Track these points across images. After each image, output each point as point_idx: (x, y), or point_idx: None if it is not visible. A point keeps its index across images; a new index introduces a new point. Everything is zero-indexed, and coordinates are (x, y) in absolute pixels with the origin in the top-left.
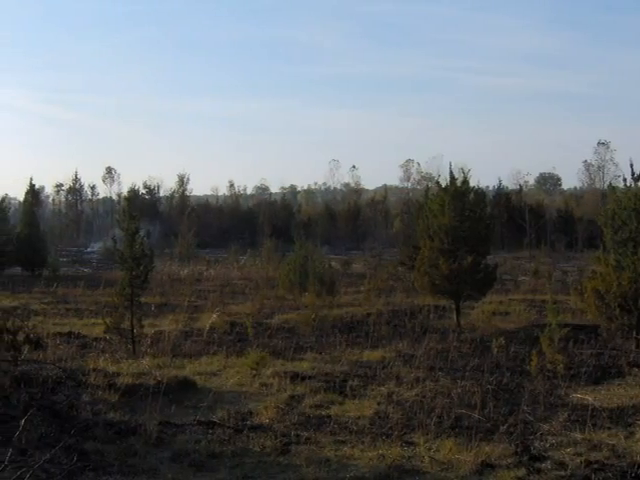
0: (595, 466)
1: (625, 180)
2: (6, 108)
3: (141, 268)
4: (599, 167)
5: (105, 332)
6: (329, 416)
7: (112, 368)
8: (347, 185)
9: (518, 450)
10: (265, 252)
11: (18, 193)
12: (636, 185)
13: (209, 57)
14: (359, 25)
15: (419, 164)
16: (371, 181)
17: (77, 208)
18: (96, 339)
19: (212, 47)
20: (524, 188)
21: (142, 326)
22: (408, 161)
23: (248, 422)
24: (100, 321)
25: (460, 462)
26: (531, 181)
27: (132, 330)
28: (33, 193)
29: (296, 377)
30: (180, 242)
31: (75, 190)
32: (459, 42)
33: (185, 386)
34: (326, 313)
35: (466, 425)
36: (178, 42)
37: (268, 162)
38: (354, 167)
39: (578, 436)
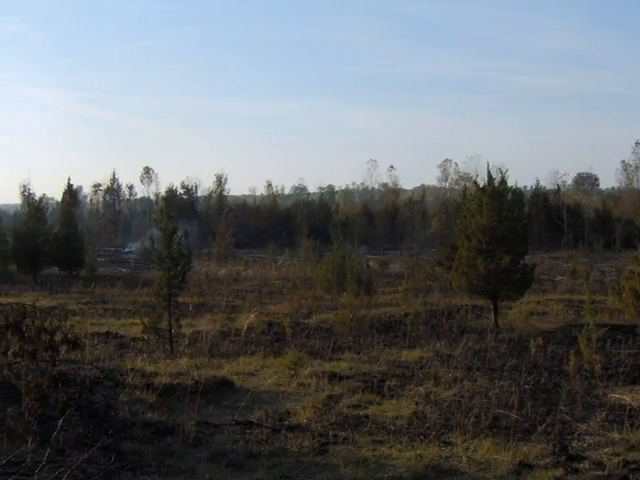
0: (633, 466)
1: None
2: (44, 108)
3: (179, 268)
4: (637, 167)
5: (143, 332)
6: (367, 416)
7: (150, 368)
8: (385, 185)
9: (556, 450)
10: (303, 252)
11: (56, 193)
12: None
13: (247, 57)
14: (397, 25)
15: (457, 164)
16: (409, 181)
17: (115, 208)
18: (134, 339)
19: (250, 47)
20: (562, 188)
21: (180, 326)
22: (446, 161)
23: (286, 422)
24: (138, 321)
25: (498, 462)
26: (569, 181)
27: (170, 330)
28: (71, 193)
29: (334, 377)
30: (218, 242)
31: (113, 190)
32: (497, 42)
33: (223, 386)
34: (364, 313)
35: (504, 425)
36: (216, 42)
37: (306, 162)
38: (392, 167)
39: (616, 436)
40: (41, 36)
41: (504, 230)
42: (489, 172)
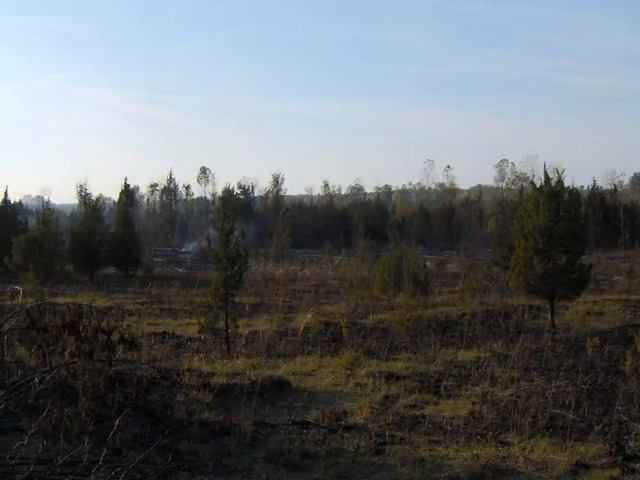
0: None
1: None
2: (101, 108)
3: (235, 268)
4: None
5: (199, 332)
6: (423, 416)
7: (206, 368)
8: (442, 185)
9: (613, 450)
10: (359, 252)
11: (113, 193)
12: None
13: (304, 57)
14: (454, 25)
15: (514, 164)
16: (466, 181)
17: (171, 208)
18: (190, 339)
19: (307, 47)
20: (619, 188)
21: (237, 326)
22: (503, 161)
23: (342, 422)
24: (194, 321)
25: (554, 462)
26: (625, 181)
27: (226, 330)
28: (127, 193)
29: (391, 377)
30: (274, 242)
31: (170, 190)
32: (554, 42)
33: (279, 386)
34: (420, 313)
35: (560, 425)
36: (273, 42)
37: (363, 162)
38: (449, 167)
39: None
40: (98, 36)
41: (561, 230)
42: (546, 172)
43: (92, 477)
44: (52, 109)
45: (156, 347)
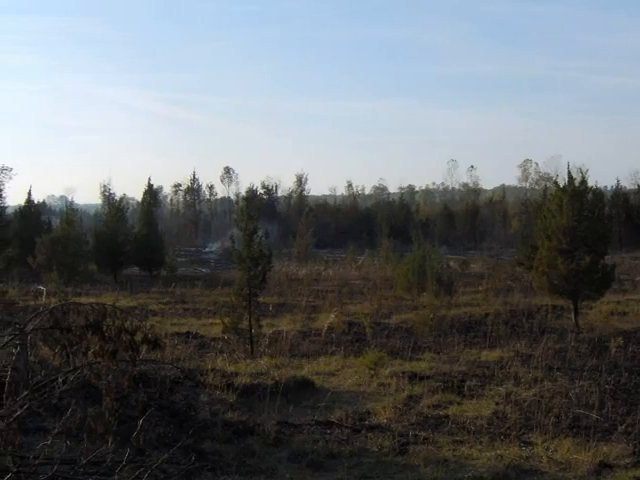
0: None
1: None
2: (125, 108)
3: (259, 268)
4: None
5: (223, 332)
6: (447, 416)
7: (230, 368)
8: (465, 185)
9: (636, 450)
10: (383, 252)
11: (136, 193)
12: None
13: (327, 57)
14: (477, 25)
15: (537, 164)
16: (489, 181)
17: (195, 208)
18: (214, 339)
19: (330, 47)
20: None
21: (260, 326)
22: (526, 161)
23: (366, 422)
24: (218, 321)
25: (578, 462)
26: None
27: (250, 330)
28: (151, 193)
29: (414, 377)
30: (298, 242)
31: (193, 190)
32: (578, 42)
33: (303, 386)
34: (444, 313)
35: (584, 425)
36: (297, 42)
37: (386, 162)
38: (472, 167)
39: None
40: (121, 36)
41: (584, 230)
42: (569, 172)
43: (116, 477)
44: (76, 109)
45: (179, 347)
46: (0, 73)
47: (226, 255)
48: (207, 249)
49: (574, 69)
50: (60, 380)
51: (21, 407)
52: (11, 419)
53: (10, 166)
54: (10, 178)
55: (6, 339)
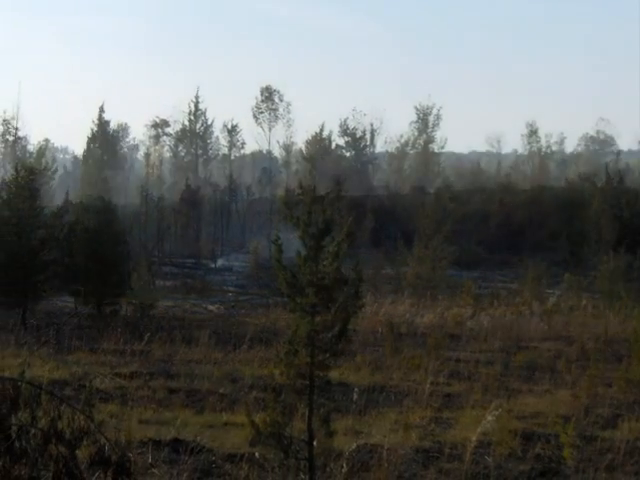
0: None
1: None
2: None
3: (334, 310)
4: None
5: (252, 444)
6: None
7: None
8: None
9: None
10: (601, 281)
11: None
12: None
13: None
14: None
15: None
16: None
17: (199, 175)
18: (232, 457)
19: None
20: None
21: (330, 433)
22: None
23: None
24: (241, 419)
25: None
26: None
27: (310, 442)
28: (105, 136)
29: None
30: (417, 255)
31: (193, 133)
32: None
33: None
34: None
35: None
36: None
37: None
38: None
39: None
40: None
41: None
42: None
43: None
44: None
45: (158, 473)
46: None
47: (257, 276)
48: (219, 263)
49: None
50: None
51: None
52: None
53: None
54: None
55: None
